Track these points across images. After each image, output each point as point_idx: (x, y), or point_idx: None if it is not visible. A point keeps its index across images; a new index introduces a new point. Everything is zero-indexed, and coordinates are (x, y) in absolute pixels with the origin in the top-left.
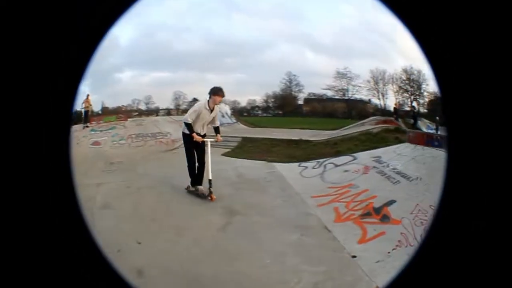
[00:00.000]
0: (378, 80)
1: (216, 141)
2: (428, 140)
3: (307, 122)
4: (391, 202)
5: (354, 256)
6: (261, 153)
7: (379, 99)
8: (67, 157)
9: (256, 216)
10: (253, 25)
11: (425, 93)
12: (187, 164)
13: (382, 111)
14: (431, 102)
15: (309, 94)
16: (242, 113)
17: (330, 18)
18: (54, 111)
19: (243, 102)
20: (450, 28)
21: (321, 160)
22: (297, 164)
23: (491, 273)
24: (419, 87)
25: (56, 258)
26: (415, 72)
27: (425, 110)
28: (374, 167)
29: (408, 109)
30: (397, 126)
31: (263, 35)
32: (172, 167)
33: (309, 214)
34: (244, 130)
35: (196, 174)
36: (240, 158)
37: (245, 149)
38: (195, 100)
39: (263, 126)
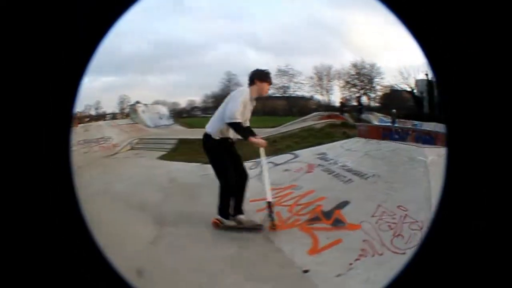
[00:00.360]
0: (322, 76)
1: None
2: (385, 133)
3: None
4: (344, 204)
5: (306, 271)
6: (195, 155)
7: (322, 95)
8: (67, 157)
9: (188, 227)
10: (195, 26)
11: (378, 87)
12: (221, 185)
13: (326, 107)
14: (385, 96)
15: None
16: (181, 114)
17: (274, 16)
18: (54, 111)
19: (183, 103)
20: (450, 28)
21: (258, 160)
22: None
23: (491, 273)
24: (370, 81)
25: (56, 258)
26: (367, 66)
27: (377, 104)
28: (319, 165)
29: (355, 103)
30: (344, 120)
31: (205, 36)
32: (110, 174)
33: None
34: (181, 132)
35: (236, 197)
36: (175, 161)
37: (180, 151)
38: (137, 103)
39: (200, 127)
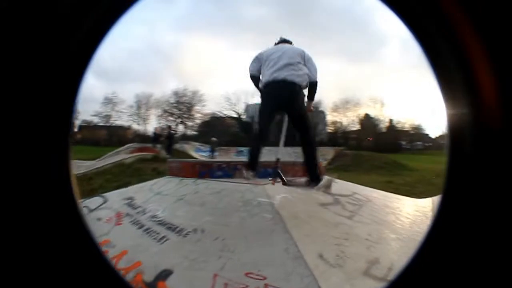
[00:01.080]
0: (141, 105)
1: None
2: (203, 172)
3: (77, 151)
4: (167, 274)
5: None
6: None
7: (139, 124)
8: (66, 158)
9: None
10: None
11: (197, 115)
12: (312, 139)
13: (142, 137)
14: (204, 123)
15: (83, 121)
16: None
17: (119, 40)
18: (54, 113)
19: None
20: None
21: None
22: None
23: (491, 273)
24: (189, 109)
25: (56, 259)
26: (189, 94)
27: (195, 132)
28: (128, 214)
29: (172, 132)
30: (156, 153)
31: None
32: None
33: None
34: None
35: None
36: None
37: None
38: None
39: None
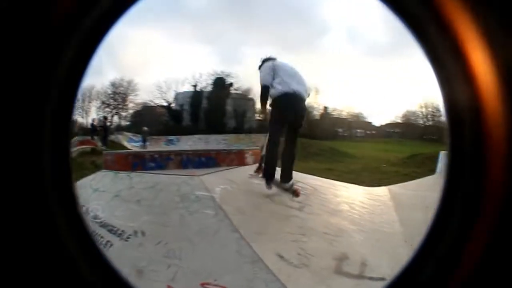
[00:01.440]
0: (85, 97)
1: None
2: (136, 163)
3: None
4: None
5: None
6: None
7: (82, 117)
8: (66, 158)
9: None
10: None
11: (131, 104)
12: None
13: (85, 130)
14: (136, 113)
15: None
16: None
17: None
18: (53, 114)
19: None
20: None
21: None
22: None
23: (491, 272)
24: (124, 99)
25: (55, 259)
26: (125, 84)
27: (128, 123)
28: None
29: (108, 124)
30: (94, 146)
31: None
32: None
33: None
34: None
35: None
36: None
37: None
38: None
39: None
